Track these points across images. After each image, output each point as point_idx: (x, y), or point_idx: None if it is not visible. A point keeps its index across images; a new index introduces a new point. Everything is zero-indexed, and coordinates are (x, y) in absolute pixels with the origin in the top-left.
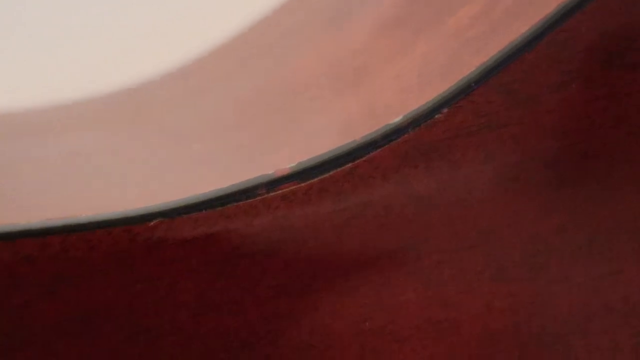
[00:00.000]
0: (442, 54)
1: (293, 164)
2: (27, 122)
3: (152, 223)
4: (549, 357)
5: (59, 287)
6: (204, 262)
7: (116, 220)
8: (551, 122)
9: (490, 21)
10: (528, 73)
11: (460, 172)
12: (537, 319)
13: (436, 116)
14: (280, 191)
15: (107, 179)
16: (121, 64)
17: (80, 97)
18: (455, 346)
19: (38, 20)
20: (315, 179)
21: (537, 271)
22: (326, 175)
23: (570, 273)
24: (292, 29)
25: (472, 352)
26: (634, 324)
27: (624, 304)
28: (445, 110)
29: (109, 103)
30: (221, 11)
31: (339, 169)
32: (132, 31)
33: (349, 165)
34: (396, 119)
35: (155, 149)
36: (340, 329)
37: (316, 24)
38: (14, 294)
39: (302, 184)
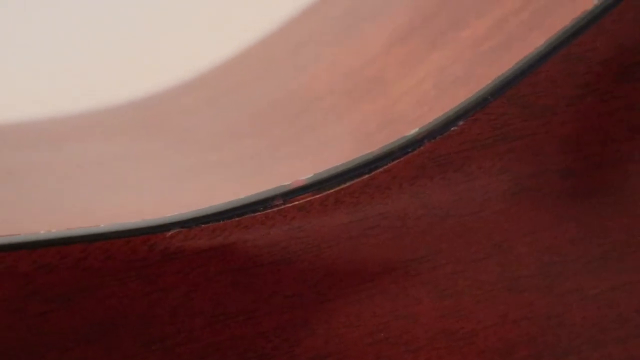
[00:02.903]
0: (458, 65)
1: (309, 175)
2: (47, 131)
3: (169, 233)
4: None
5: (77, 295)
6: (220, 271)
7: (134, 230)
8: (566, 134)
9: (506, 33)
10: (543, 86)
11: (475, 183)
12: (552, 329)
13: (452, 128)
14: (296, 202)
15: (125, 189)
16: (139, 73)
17: (98, 107)
18: (470, 356)
19: (58, 32)
20: (332, 190)
21: (551, 282)
22: (342, 186)
23: (584, 284)
24: (308, 39)
25: None
26: None
27: (637, 315)
28: (461, 122)
29: (126, 113)
30: (238, 22)
31: (355, 180)
32: (149, 41)
33: (366, 176)
34: (412, 130)
35: (172, 159)
36: (356, 338)
37: (331, 34)
38: (33, 302)
39: (319, 195)
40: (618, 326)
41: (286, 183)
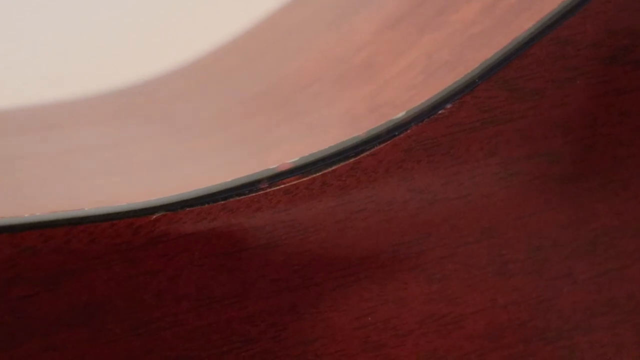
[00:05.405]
0: (446, 49)
1: (296, 159)
2: (33, 117)
3: (154, 216)
4: (553, 352)
5: (61, 279)
6: (205, 255)
7: (119, 213)
8: (555, 118)
9: (494, 17)
10: (532, 69)
11: (463, 167)
12: (541, 314)
13: (440, 111)
14: (282, 185)
15: (110, 172)
16: (126, 60)
17: (85, 94)
18: (459, 341)
19: (45, 18)
20: (318, 174)
21: (541, 267)
22: (329, 169)
23: (574, 269)
24: (297, 25)
25: (476, 347)
26: (637, 320)
27: (628, 301)
28: (449, 105)
29: (113, 99)
30: (227, 8)
31: (341, 164)
32: (138, 28)
33: (352, 159)
34: (400, 114)
35: (158, 143)
36: (343, 322)
37: (320, 20)
38: (17, 286)
39: (305, 178)
40: (608, 311)
41: (272, 166)
